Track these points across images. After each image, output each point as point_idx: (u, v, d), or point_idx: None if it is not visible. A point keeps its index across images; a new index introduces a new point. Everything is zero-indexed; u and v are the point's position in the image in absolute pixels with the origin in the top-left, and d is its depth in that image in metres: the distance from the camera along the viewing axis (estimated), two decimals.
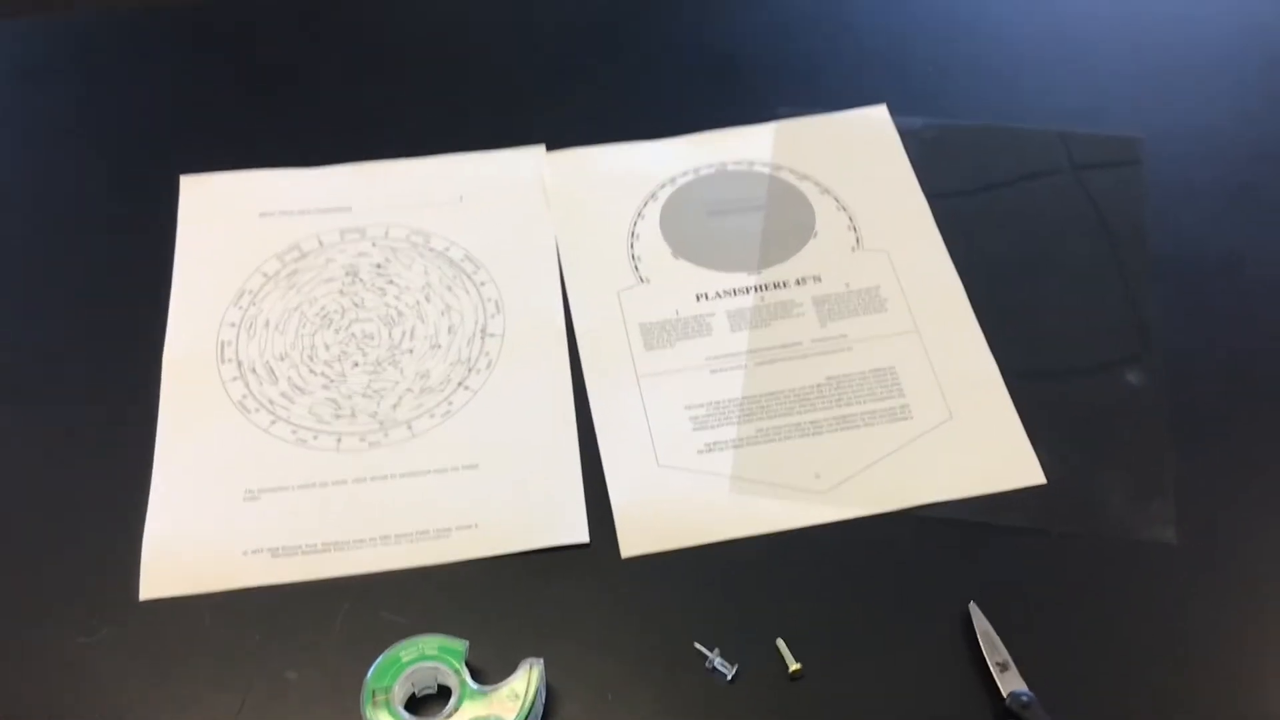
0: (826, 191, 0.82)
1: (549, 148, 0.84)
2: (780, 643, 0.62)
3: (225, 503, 0.67)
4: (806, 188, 0.82)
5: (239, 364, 0.73)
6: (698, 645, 0.62)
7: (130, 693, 0.61)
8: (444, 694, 0.60)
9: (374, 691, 0.58)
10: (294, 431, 0.70)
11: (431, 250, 0.79)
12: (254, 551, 0.65)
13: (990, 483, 0.68)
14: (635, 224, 0.80)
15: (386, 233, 0.79)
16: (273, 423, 0.71)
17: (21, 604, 0.64)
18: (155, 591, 0.64)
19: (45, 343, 0.74)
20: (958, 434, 0.70)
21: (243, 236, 0.79)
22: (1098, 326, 0.75)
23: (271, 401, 0.71)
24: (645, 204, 0.81)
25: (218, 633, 0.63)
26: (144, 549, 0.65)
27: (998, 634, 0.61)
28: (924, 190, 0.81)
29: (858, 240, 0.79)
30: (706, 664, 0.61)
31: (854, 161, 0.83)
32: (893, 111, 0.86)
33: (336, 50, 0.90)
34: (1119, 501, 0.67)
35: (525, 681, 0.58)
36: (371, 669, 0.59)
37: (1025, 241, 0.79)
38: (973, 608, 0.62)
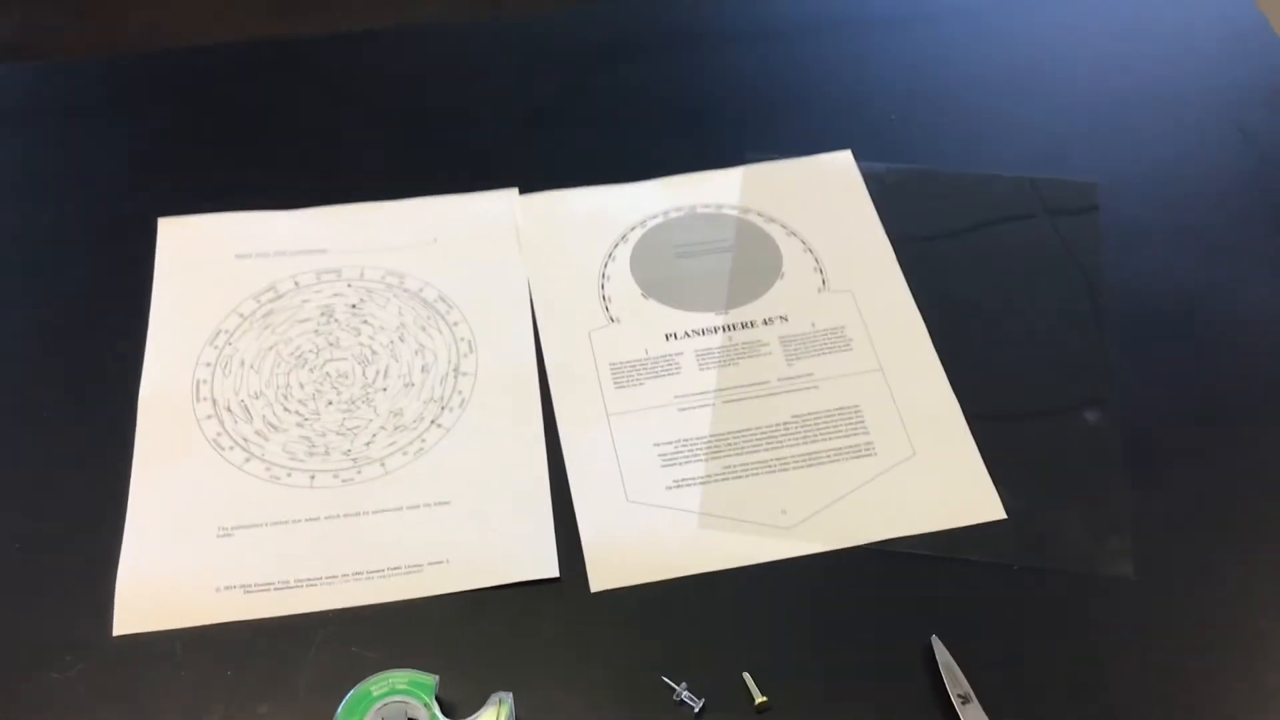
0: (793, 234, 0.84)
1: (521, 190, 0.86)
2: (747, 676, 0.63)
3: (199, 539, 0.68)
4: (774, 230, 0.84)
5: (214, 402, 0.74)
6: (665, 678, 0.63)
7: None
8: None
9: None
10: (268, 469, 0.71)
11: (406, 290, 0.80)
12: (227, 588, 0.66)
13: (952, 518, 0.70)
14: (606, 265, 0.81)
15: (362, 274, 0.81)
16: (247, 460, 0.71)
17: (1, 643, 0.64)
18: (129, 627, 0.65)
19: (21, 378, 0.75)
20: (920, 470, 0.72)
21: (219, 277, 0.80)
22: (1057, 366, 0.77)
23: (246, 439, 0.72)
24: (616, 245, 0.83)
25: (190, 668, 0.63)
26: (118, 584, 0.66)
27: (959, 666, 0.63)
28: (888, 233, 0.84)
29: (824, 281, 0.81)
30: (674, 696, 0.62)
31: (820, 205, 0.85)
32: (857, 157, 0.88)
33: (312, 96, 0.92)
34: (1078, 537, 0.69)
35: (494, 716, 0.59)
36: (342, 704, 0.59)
37: (986, 283, 0.81)
38: (935, 640, 0.64)
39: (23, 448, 0.72)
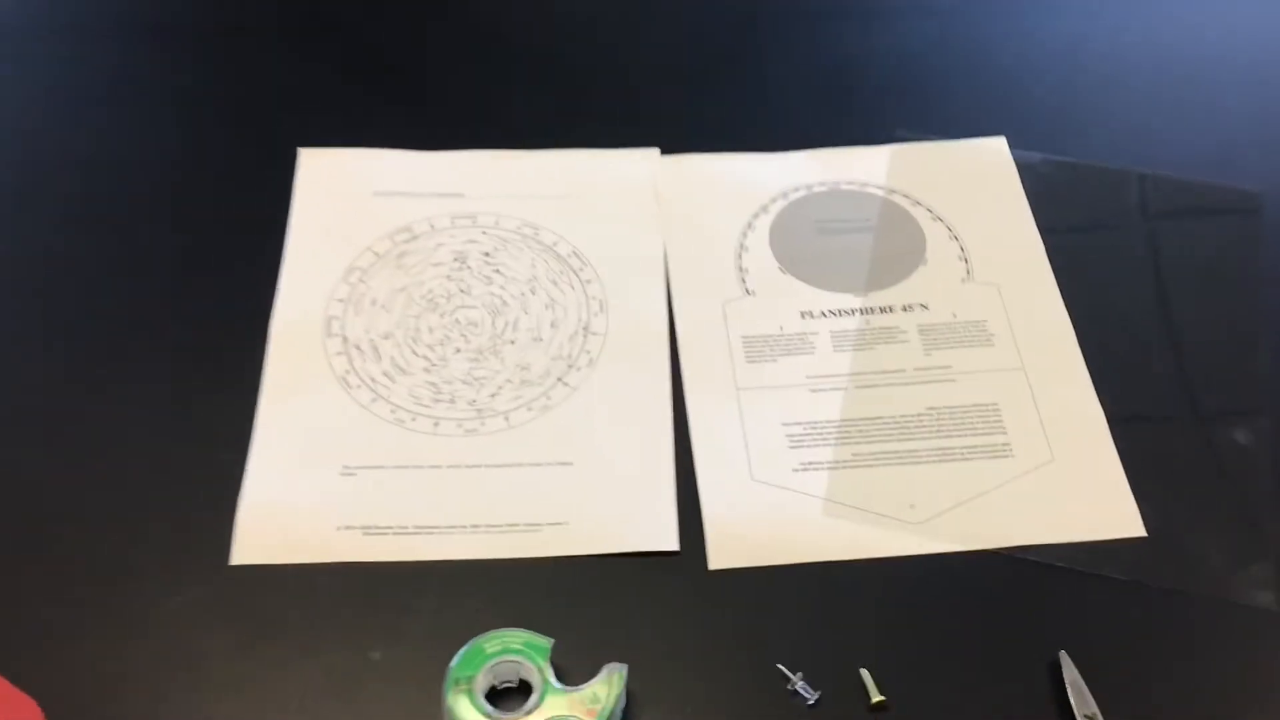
0: (939, 219, 0.81)
1: (664, 151, 0.84)
2: (864, 672, 0.61)
3: (322, 475, 0.68)
4: (919, 214, 0.81)
5: (344, 339, 0.74)
6: (780, 666, 0.61)
7: (215, 656, 0.61)
8: (524, 689, 0.60)
9: (458, 679, 0.58)
10: (393, 411, 0.71)
11: (540, 243, 0.79)
12: (347, 528, 0.66)
13: (1088, 530, 0.67)
14: (745, 235, 0.79)
15: (497, 222, 0.80)
16: (373, 400, 0.71)
17: (115, 560, 0.65)
18: (247, 557, 0.65)
19: (154, 301, 0.75)
20: (1058, 477, 0.69)
21: (356, 213, 0.80)
22: (1208, 380, 0.73)
23: (373, 379, 0.72)
24: (756, 216, 0.80)
25: (304, 606, 0.63)
26: (239, 514, 0.66)
27: (1087, 686, 0.60)
28: (1039, 226, 0.80)
29: (968, 271, 0.78)
30: (789, 686, 0.61)
31: (969, 192, 0.82)
32: (1011, 145, 0.85)
33: (459, 39, 0.91)
34: (1219, 561, 0.66)
35: (607, 686, 0.58)
36: (457, 657, 0.59)
37: (1139, 286, 0.78)
38: (1063, 656, 0.61)
39: (157, 368, 0.72)
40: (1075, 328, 0.75)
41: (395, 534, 0.66)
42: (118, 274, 0.77)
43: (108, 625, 0.62)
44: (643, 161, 0.83)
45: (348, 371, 0.72)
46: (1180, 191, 0.83)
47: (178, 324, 0.74)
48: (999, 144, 0.85)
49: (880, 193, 0.82)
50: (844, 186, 0.82)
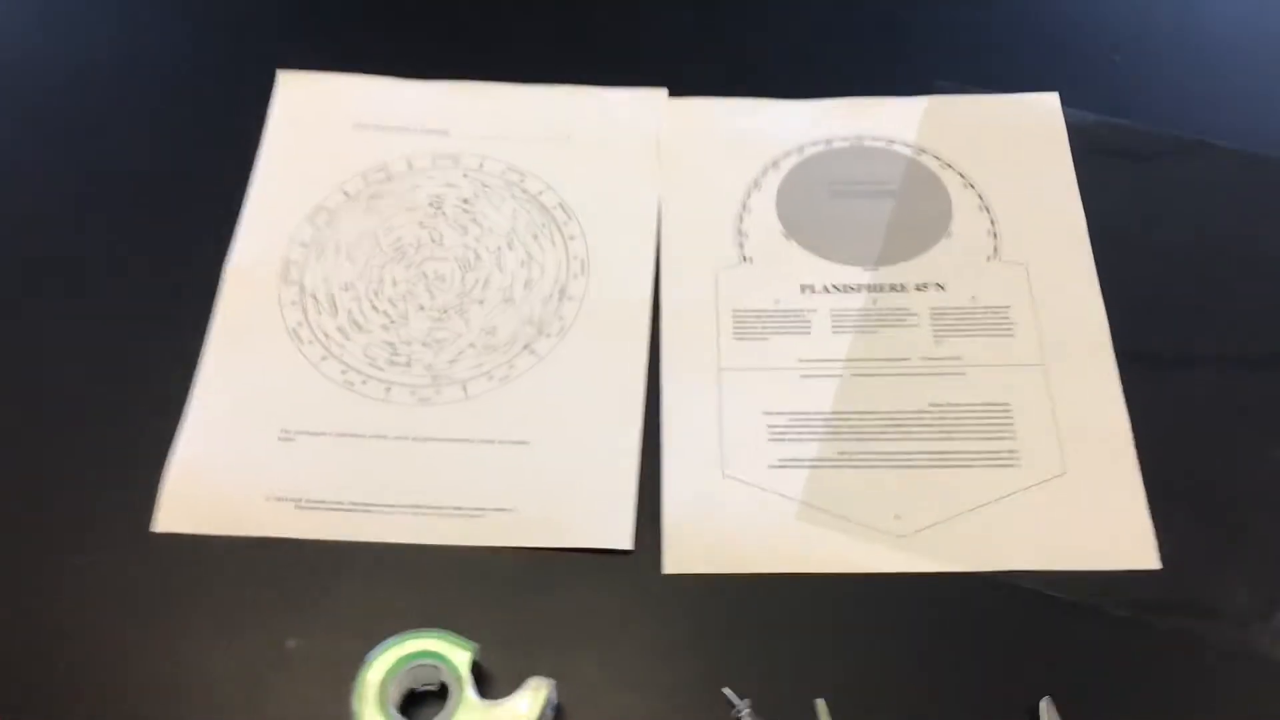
0: (970, 185, 0.72)
1: (671, 93, 0.76)
2: (820, 705, 0.55)
3: (258, 439, 0.63)
4: (949, 178, 0.72)
5: (301, 288, 0.68)
6: (726, 691, 0.56)
7: (119, 629, 0.57)
8: (445, 693, 0.55)
9: (367, 684, 0.53)
10: (343, 372, 0.65)
11: (524, 191, 0.72)
12: (279, 499, 0.61)
13: (1095, 558, 0.59)
14: (750, 194, 0.72)
15: (481, 165, 0.73)
16: (324, 359, 0.66)
17: (29, 515, 0.61)
18: (170, 525, 0.60)
19: (103, 230, 0.70)
20: (1069, 493, 0.61)
21: (332, 146, 0.74)
22: (1260, 394, 0.64)
23: (327, 335, 0.67)
24: (764, 172, 0.73)
25: (225, 583, 0.59)
26: (168, 477, 0.62)
27: None
28: (1084, 201, 0.71)
29: (995, 248, 0.70)
30: (734, 712, 0.55)
31: (1009, 155, 0.73)
32: (1064, 102, 0.75)
33: None
34: (1241, 604, 0.58)
35: (530, 702, 0.53)
36: (370, 657, 0.54)
37: (1190, 282, 0.68)
38: (1045, 704, 0.55)
39: (102, 301, 0.68)
40: (1110, 321, 0.67)
41: (329, 510, 0.61)
42: (65, 195, 0.72)
43: (7, 581, 0.59)
44: (647, 103, 0.75)
45: (300, 324, 0.67)
46: (1255, 171, 0.72)
47: (127, 259, 0.69)
48: (1050, 100, 0.76)
49: (908, 151, 0.74)
50: (868, 143, 0.74)
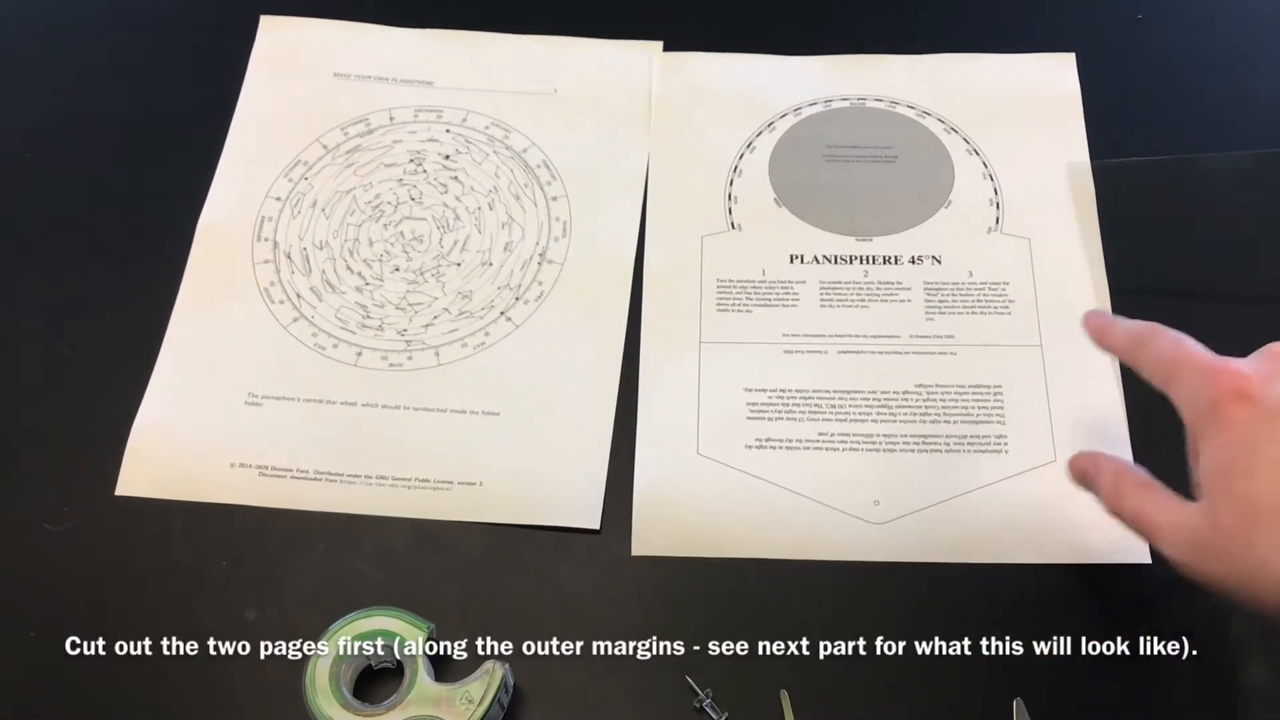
0: (975, 151, 0.69)
1: (666, 47, 0.73)
2: (784, 695, 0.54)
3: (224, 403, 0.61)
4: (953, 142, 0.69)
5: (274, 245, 0.66)
6: (689, 680, 0.54)
7: (71, 594, 0.57)
8: (401, 672, 0.54)
9: (318, 667, 0.52)
10: (314, 335, 0.64)
11: (508, 149, 0.69)
12: (242, 465, 0.60)
13: (1081, 551, 0.57)
14: (741, 156, 0.69)
15: (465, 119, 0.71)
16: (295, 320, 0.64)
17: None
18: (132, 489, 0.59)
19: (75, 180, 0.69)
20: (1058, 483, 0.58)
21: (312, 96, 0.71)
22: None
23: (299, 295, 0.65)
24: (759, 134, 0.70)
25: (185, 551, 0.58)
26: (130, 439, 0.60)
27: None
28: (1095, 173, 0.68)
29: (998, 219, 0.67)
30: (695, 702, 0.54)
31: (1018, 118, 0.70)
32: (1081, 66, 0.72)
33: None
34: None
35: (483, 686, 0.52)
36: (323, 638, 0.53)
37: (1203, 269, 0.64)
38: (1018, 706, 0.53)
39: (72, 257, 0.66)
40: (1114, 302, 0.64)
41: (293, 478, 0.59)
42: (40, 146, 0.70)
43: None
44: (641, 57, 0.72)
45: (272, 283, 0.65)
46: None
47: (98, 210, 0.68)
48: (1065, 62, 0.72)
49: (911, 114, 0.70)
50: (870, 104, 0.71)
